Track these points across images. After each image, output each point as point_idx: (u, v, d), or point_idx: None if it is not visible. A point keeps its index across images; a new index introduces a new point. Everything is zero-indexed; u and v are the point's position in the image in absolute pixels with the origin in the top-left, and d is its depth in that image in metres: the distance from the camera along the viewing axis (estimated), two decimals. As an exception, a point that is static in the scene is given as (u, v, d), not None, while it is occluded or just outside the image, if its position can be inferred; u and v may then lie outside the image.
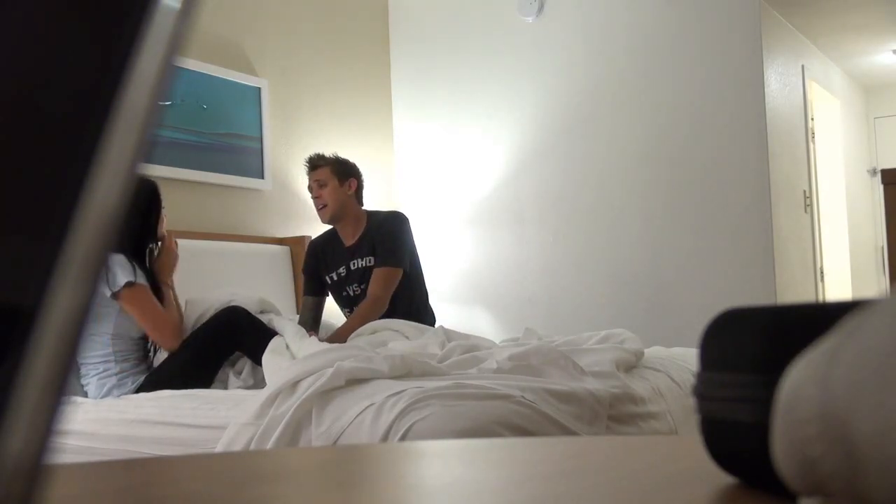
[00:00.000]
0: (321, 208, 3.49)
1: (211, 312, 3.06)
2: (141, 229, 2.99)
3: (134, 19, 0.22)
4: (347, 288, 3.52)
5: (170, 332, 2.96)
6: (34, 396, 0.20)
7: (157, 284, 3.01)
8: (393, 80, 5.22)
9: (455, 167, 4.97)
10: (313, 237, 3.79)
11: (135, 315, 2.92)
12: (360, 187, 3.56)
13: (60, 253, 0.21)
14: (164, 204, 3.08)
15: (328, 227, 3.63)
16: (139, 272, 2.89)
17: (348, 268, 3.51)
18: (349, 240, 3.53)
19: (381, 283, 3.39)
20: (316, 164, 3.53)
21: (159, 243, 3.08)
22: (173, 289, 3.12)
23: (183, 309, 3.15)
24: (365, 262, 3.48)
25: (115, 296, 2.86)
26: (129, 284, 2.84)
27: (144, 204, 2.98)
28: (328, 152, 3.61)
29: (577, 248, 4.58)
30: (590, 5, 4.60)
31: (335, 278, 3.54)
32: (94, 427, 2.58)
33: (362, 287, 3.47)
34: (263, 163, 4.30)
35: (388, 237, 3.46)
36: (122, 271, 2.84)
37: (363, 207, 3.59)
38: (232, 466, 0.53)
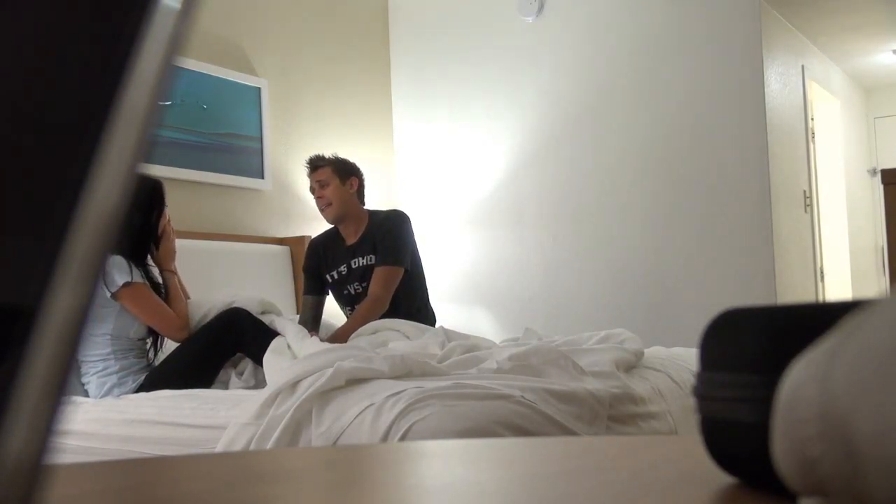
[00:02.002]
0: (325, 208, 3.49)
1: (213, 314, 3.06)
2: (141, 228, 2.99)
3: (134, 19, 0.22)
4: (348, 287, 3.52)
5: (176, 323, 2.98)
6: (34, 396, 0.20)
7: (156, 280, 3.02)
8: (393, 80, 5.22)
9: (455, 167, 4.97)
10: (313, 236, 3.78)
11: (137, 313, 2.93)
12: (361, 186, 3.56)
13: (60, 253, 0.21)
14: (167, 203, 3.08)
15: (329, 226, 3.63)
16: (136, 271, 2.89)
17: (349, 266, 3.51)
18: (350, 238, 3.53)
19: (382, 282, 3.38)
20: (317, 164, 3.53)
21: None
22: (178, 275, 3.12)
23: (189, 295, 3.17)
24: (366, 261, 3.47)
25: (114, 296, 2.87)
26: (127, 284, 2.85)
27: (146, 203, 2.99)
28: (328, 153, 3.61)
29: (577, 249, 4.58)
30: (590, 5, 4.60)
31: (336, 277, 3.54)
32: (94, 427, 2.58)
33: (363, 286, 3.46)
34: (263, 163, 4.30)
35: (389, 236, 3.46)
36: (118, 272, 2.84)
37: (364, 206, 3.59)
38: (232, 466, 0.53)
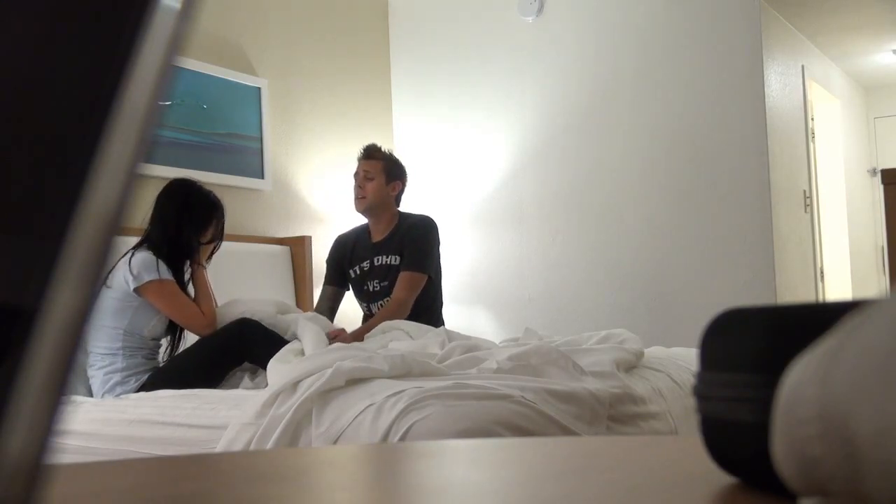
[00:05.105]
0: (360, 198, 3.53)
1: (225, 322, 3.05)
2: (188, 241, 2.98)
3: (134, 19, 0.22)
4: (368, 283, 3.54)
5: (202, 320, 2.98)
6: (34, 396, 0.20)
7: (184, 283, 3.02)
8: (393, 80, 5.22)
9: (455, 167, 4.97)
10: (340, 231, 3.81)
11: (162, 307, 2.92)
12: (402, 190, 3.60)
13: (60, 253, 0.21)
14: (218, 230, 3.08)
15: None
16: (164, 270, 2.89)
17: (372, 263, 3.54)
18: (377, 235, 3.57)
19: (406, 287, 3.41)
20: (371, 154, 3.57)
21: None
22: (207, 271, 3.12)
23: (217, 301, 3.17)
24: (389, 260, 3.50)
25: (137, 290, 2.87)
26: (153, 280, 2.86)
27: (205, 219, 3.00)
28: (385, 147, 3.65)
29: (577, 248, 4.58)
30: (590, 5, 4.60)
31: (358, 272, 3.57)
32: (94, 427, 2.58)
33: (383, 284, 3.49)
34: (263, 163, 4.30)
35: (419, 242, 3.49)
36: (146, 269, 2.85)
37: (399, 208, 3.63)
38: (232, 466, 0.53)
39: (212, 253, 3.13)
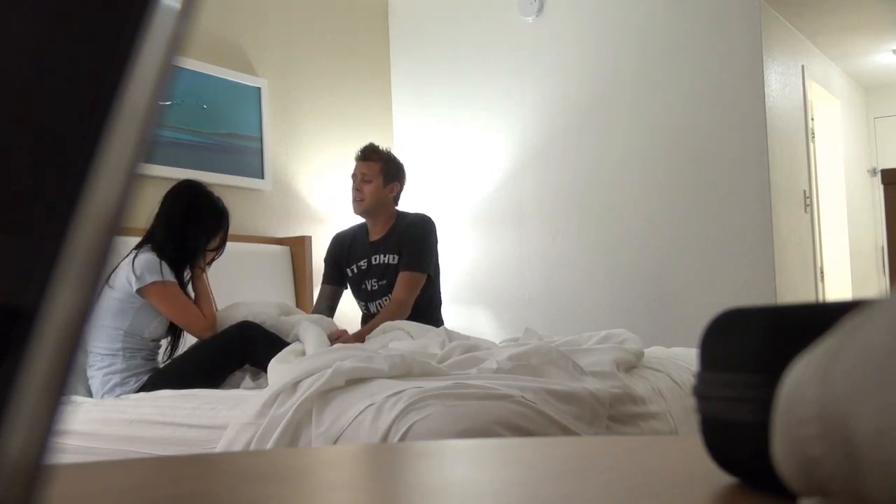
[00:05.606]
0: (358, 200, 3.52)
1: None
2: (195, 246, 2.98)
3: (134, 19, 0.22)
4: (366, 282, 3.54)
5: (203, 322, 2.98)
6: (34, 396, 0.20)
7: (186, 284, 3.02)
8: (393, 80, 5.22)
9: (455, 167, 4.97)
10: (339, 230, 3.80)
11: (164, 309, 2.92)
12: (400, 191, 3.59)
13: (60, 253, 0.21)
14: (222, 237, 3.08)
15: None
16: (167, 272, 2.89)
17: (370, 262, 3.54)
18: (375, 234, 3.57)
19: (406, 287, 3.41)
20: (368, 156, 3.55)
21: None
22: (206, 274, 3.11)
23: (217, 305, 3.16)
24: (387, 259, 3.50)
25: (140, 292, 2.87)
26: (156, 282, 2.85)
27: (213, 227, 3.00)
28: (383, 146, 3.62)
29: (577, 248, 4.58)
30: (590, 5, 4.60)
31: (355, 271, 3.57)
32: (94, 427, 2.58)
33: (381, 283, 3.49)
34: (263, 163, 4.30)
35: (417, 241, 3.48)
36: (149, 271, 2.85)
37: (397, 208, 3.62)
38: (232, 466, 0.53)
39: (213, 258, 3.13)
